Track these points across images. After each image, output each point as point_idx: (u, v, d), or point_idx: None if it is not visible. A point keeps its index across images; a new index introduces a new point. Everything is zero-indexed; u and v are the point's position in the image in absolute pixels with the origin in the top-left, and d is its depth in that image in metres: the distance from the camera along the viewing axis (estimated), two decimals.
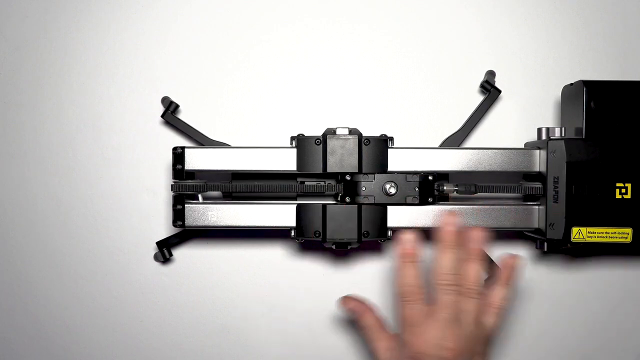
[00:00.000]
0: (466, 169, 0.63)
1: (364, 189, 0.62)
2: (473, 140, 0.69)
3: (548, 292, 0.70)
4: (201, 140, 0.67)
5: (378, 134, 0.63)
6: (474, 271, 0.56)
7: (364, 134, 0.62)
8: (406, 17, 0.70)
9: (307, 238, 0.62)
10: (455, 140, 0.67)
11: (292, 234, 0.63)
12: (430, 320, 0.55)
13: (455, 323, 0.55)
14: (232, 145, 0.66)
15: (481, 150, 0.63)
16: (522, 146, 0.67)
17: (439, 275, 0.56)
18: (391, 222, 0.63)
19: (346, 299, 0.63)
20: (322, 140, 0.62)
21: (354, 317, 0.62)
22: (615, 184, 0.61)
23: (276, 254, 0.70)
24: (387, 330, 0.60)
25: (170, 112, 0.67)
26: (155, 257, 0.69)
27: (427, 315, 0.56)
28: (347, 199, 0.62)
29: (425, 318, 0.56)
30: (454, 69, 0.70)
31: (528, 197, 0.65)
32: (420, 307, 0.56)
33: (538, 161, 0.63)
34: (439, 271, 0.56)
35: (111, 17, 0.69)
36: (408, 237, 0.57)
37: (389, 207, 0.63)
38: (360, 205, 0.62)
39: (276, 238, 0.70)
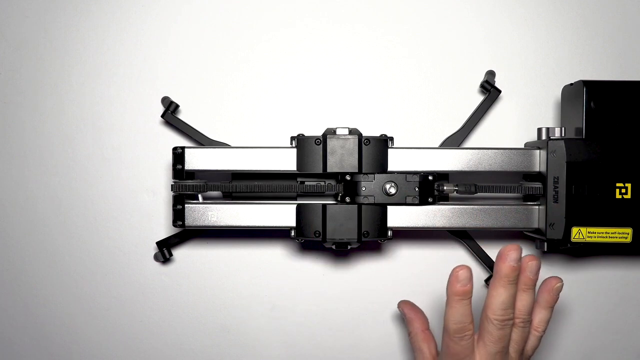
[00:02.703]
0: (466, 169, 0.63)
1: (364, 189, 0.62)
2: (473, 140, 0.69)
3: None
4: (201, 140, 0.67)
5: (378, 134, 0.63)
6: (526, 302, 0.56)
7: (364, 134, 0.62)
8: (406, 17, 0.70)
9: (307, 238, 0.62)
10: (455, 140, 0.67)
11: (292, 234, 0.63)
12: (478, 352, 0.55)
13: (502, 354, 0.55)
14: (232, 145, 0.66)
15: (481, 150, 0.63)
16: (522, 146, 0.67)
17: (493, 310, 0.54)
18: (391, 222, 0.63)
19: (403, 302, 0.66)
20: (322, 140, 0.62)
21: (405, 320, 0.65)
22: (615, 184, 0.61)
23: (276, 254, 0.70)
24: (433, 344, 0.61)
25: (170, 112, 0.67)
26: (155, 257, 0.69)
27: (475, 348, 0.56)
28: (347, 199, 0.62)
29: (472, 351, 0.55)
30: (454, 69, 0.70)
31: (528, 197, 0.65)
32: (469, 342, 0.55)
33: (538, 161, 0.63)
34: (493, 307, 0.54)
35: (111, 17, 0.69)
36: (463, 275, 0.54)
37: (389, 207, 0.63)
38: (360, 205, 0.62)
39: (276, 238, 0.70)
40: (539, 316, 0.58)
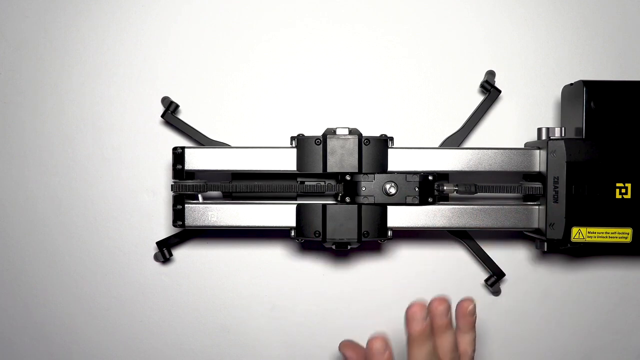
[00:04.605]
0: (466, 169, 0.63)
1: (364, 189, 0.62)
2: (473, 140, 0.69)
3: (548, 292, 0.70)
4: (201, 140, 0.67)
5: (378, 134, 0.63)
6: (447, 343, 0.54)
7: (364, 134, 0.62)
8: (406, 17, 0.70)
9: (307, 238, 0.62)
10: (455, 140, 0.67)
11: (292, 234, 0.63)
12: None
13: None
14: (232, 145, 0.66)
15: (481, 150, 0.63)
16: (522, 146, 0.67)
17: None
18: (391, 222, 0.63)
19: (344, 345, 0.63)
20: (322, 140, 0.62)
21: None
22: (615, 184, 0.61)
23: (276, 254, 0.70)
24: None
25: (170, 112, 0.67)
26: (155, 257, 0.69)
27: None
28: (347, 199, 0.62)
29: None
30: (454, 69, 0.70)
31: (528, 197, 0.65)
32: None
33: (538, 161, 0.63)
34: None
35: (111, 17, 0.69)
36: (377, 347, 0.52)
37: (389, 207, 0.63)
38: (360, 205, 0.62)
39: (276, 238, 0.70)
40: (464, 341, 0.57)
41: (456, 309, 0.57)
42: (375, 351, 0.52)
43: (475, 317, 0.57)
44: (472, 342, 0.57)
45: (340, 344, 0.64)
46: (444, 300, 0.54)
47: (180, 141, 0.69)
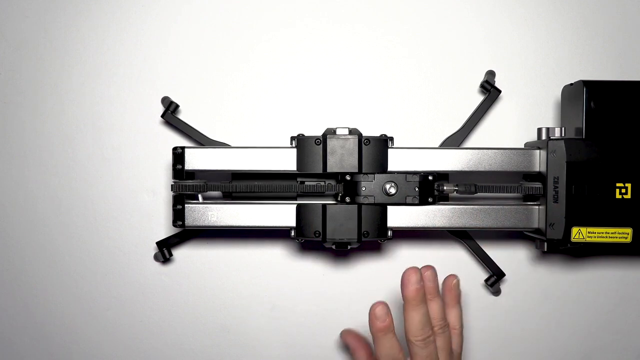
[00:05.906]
0: (466, 169, 0.63)
1: (364, 189, 0.62)
2: (473, 140, 0.69)
3: (548, 292, 0.70)
4: (201, 140, 0.67)
5: (378, 134, 0.63)
6: (436, 308, 0.58)
7: (364, 134, 0.62)
8: (406, 17, 0.70)
9: (307, 238, 0.62)
10: (455, 140, 0.67)
11: (292, 234, 0.63)
12: None
13: None
14: (232, 145, 0.66)
15: (481, 150, 0.63)
16: (522, 146, 0.67)
17: (413, 333, 0.56)
18: (391, 222, 0.63)
19: (345, 333, 0.66)
20: (322, 140, 0.62)
21: (349, 350, 0.65)
22: (615, 184, 0.61)
23: (276, 254, 0.70)
24: None
25: (170, 112, 0.67)
26: (155, 257, 0.69)
27: None
28: (347, 199, 0.62)
29: None
30: (454, 69, 0.70)
31: (528, 197, 0.65)
32: None
33: (538, 161, 0.63)
34: (412, 330, 0.56)
35: (111, 17, 0.69)
36: (380, 311, 0.56)
37: (389, 207, 0.63)
38: (360, 205, 0.62)
39: (276, 238, 0.70)
40: (452, 315, 0.60)
41: (442, 285, 0.60)
42: (378, 316, 0.55)
43: (460, 292, 0.60)
44: (459, 317, 0.60)
45: (341, 331, 0.67)
46: (431, 267, 0.58)
47: (180, 141, 0.69)
